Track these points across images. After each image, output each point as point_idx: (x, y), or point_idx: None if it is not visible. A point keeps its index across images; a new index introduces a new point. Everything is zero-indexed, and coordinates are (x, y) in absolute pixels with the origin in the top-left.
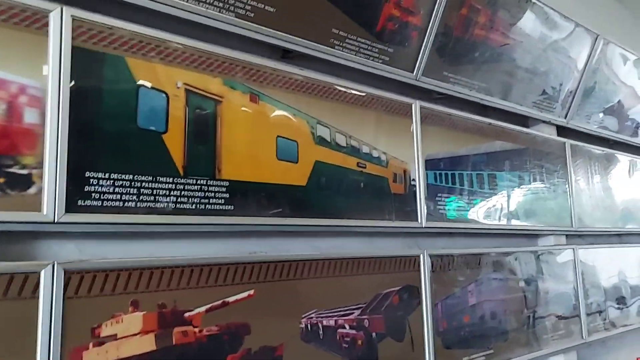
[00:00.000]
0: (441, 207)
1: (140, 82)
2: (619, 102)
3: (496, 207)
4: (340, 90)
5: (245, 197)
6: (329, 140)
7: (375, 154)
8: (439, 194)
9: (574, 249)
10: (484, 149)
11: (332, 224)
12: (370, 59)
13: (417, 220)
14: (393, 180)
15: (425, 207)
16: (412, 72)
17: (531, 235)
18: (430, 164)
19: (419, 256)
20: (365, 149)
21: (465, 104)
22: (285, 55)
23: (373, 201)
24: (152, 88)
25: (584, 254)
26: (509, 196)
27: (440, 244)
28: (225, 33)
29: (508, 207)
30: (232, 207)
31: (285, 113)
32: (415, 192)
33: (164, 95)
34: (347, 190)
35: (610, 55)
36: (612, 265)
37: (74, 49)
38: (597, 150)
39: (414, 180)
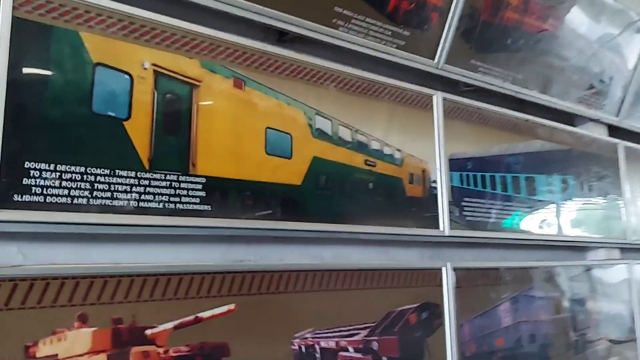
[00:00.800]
0: (469, 213)
1: (97, 60)
2: None
3: (536, 214)
4: (344, 78)
5: (226, 196)
6: (330, 134)
7: (387, 150)
8: (466, 198)
9: (628, 264)
10: (521, 149)
11: (335, 229)
12: (381, 43)
13: (438, 227)
14: (409, 182)
15: (448, 213)
16: (433, 59)
17: (578, 248)
18: (456, 164)
19: (440, 269)
20: (374, 145)
21: (497, 98)
22: (282, 38)
23: (385, 205)
24: (112, 68)
25: None
26: (550, 203)
27: (468, 255)
28: (209, 11)
29: (550, 215)
30: (210, 207)
31: (277, 101)
32: (436, 195)
33: (127, 76)
34: (353, 191)
35: None
36: None
37: (15, 21)
38: None
39: (434, 182)
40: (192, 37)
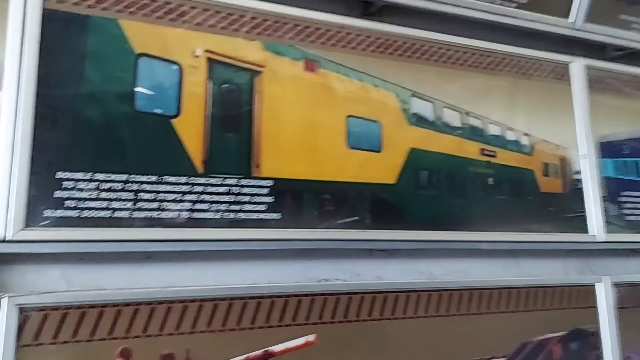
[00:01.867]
0: (629, 211)
1: (141, 50)
2: None
3: None
4: (448, 50)
5: (300, 201)
6: (432, 119)
7: (510, 136)
8: (625, 193)
9: None
10: None
11: (447, 238)
12: (496, 2)
13: (587, 231)
14: (543, 174)
15: (601, 212)
16: (567, 17)
17: None
18: (608, 149)
19: (593, 285)
20: (493, 130)
21: None
22: (367, 11)
23: (511, 205)
24: (158, 58)
25: None
26: None
27: (631, 266)
28: None
29: None
30: (280, 215)
31: (360, 84)
32: (581, 190)
33: (175, 67)
34: (467, 189)
35: None
36: None
37: (46, 13)
38: None
39: (578, 172)
40: (252, 15)
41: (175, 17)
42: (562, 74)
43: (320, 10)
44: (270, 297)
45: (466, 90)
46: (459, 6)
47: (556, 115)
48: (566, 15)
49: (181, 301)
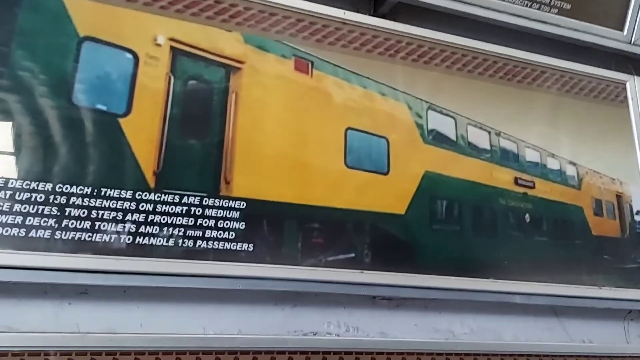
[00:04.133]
0: None
1: (86, 33)
2: None
3: None
4: (473, 57)
5: (279, 230)
6: (454, 139)
7: (552, 164)
8: None
9: None
10: None
11: (471, 287)
12: (533, 6)
13: None
14: (594, 212)
15: None
16: (622, 29)
17: None
18: None
19: None
20: (530, 156)
21: None
22: (378, 9)
23: (553, 249)
24: (108, 44)
25: None
26: None
27: None
28: None
29: None
30: (251, 245)
31: (364, 91)
32: None
33: (129, 55)
34: (496, 226)
35: None
36: None
37: None
38: None
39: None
40: (231, 1)
41: None
42: (616, 94)
43: (319, 2)
44: (239, 352)
45: (497, 107)
46: (489, 8)
47: (610, 141)
48: (620, 27)
49: (124, 353)
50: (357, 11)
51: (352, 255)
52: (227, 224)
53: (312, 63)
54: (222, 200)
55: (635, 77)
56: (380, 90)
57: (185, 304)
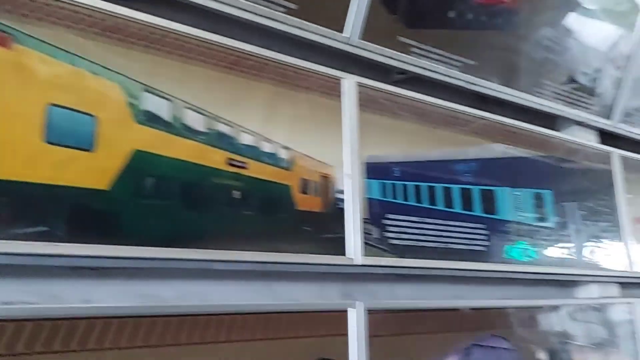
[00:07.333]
0: (394, 235)
1: None
2: None
3: (496, 238)
4: (196, 45)
5: None
6: (169, 120)
7: (266, 148)
8: (390, 215)
9: (633, 304)
10: (475, 154)
11: (178, 256)
12: (262, 3)
13: (344, 253)
14: (301, 190)
15: (361, 235)
16: (341, 31)
17: (562, 283)
18: (376, 171)
19: (346, 312)
20: (246, 139)
21: (448, 92)
22: None
23: (261, 222)
24: None
25: None
26: (518, 223)
27: (397, 292)
28: None
29: (517, 239)
30: None
31: (71, 68)
32: (342, 210)
33: None
34: (206, 202)
35: None
36: None
37: None
38: None
39: (341, 192)
40: None
41: None
42: (332, 89)
43: None
44: None
45: (217, 93)
46: (218, 1)
47: (324, 131)
48: (340, 29)
49: None
50: None
51: (46, 228)
52: None
53: (14, 37)
54: None
55: (349, 75)
56: (93, 69)
57: None
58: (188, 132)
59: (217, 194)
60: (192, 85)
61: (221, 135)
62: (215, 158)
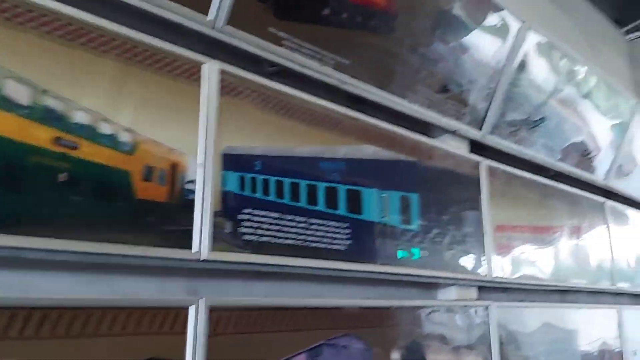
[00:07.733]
0: (249, 230)
1: None
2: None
3: (360, 238)
4: (29, 10)
5: None
6: None
7: (105, 129)
8: (247, 210)
9: (488, 307)
10: (344, 154)
11: None
12: None
13: (190, 247)
14: (143, 178)
15: (210, 229)
16: (206, 14)
17: (425, 285)
18: (235, 162)
19: (187, 309)
20: (79, 118)
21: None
22: None
23: (92, 210)
24: None
25: (506, 314)
26: (384, 225)
27: (254, 290)
28: None
29: (381, 239)
30: None
31: None
32: (192, 201)
33: None
34: (25, 184)
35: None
36: (553, 331)
37: None
38: (529, 176)
39: (192, 182)
40: None
41: None
42: (192, 73)
43: None
44: None
45: (51, 65)
46: None
47: (179, 115)
48: (205, 11)
49: None
50: None
51: None
52: None
53: None
54: None
55: (212, 60)
56: None
57: None
58: (8, 104)
59: (39, 175)
60: (21, 53)
61: (49, 111)
62: (40, 135)
